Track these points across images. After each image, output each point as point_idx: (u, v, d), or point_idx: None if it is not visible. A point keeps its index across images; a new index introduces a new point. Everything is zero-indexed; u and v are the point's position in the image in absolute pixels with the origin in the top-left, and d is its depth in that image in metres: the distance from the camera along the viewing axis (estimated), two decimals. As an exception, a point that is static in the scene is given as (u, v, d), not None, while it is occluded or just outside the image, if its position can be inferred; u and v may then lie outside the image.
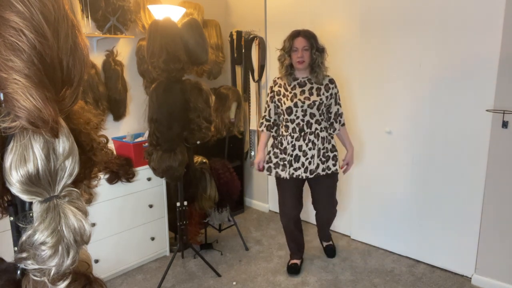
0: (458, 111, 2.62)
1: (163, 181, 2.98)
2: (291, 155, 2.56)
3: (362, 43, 3.02)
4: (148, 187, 2.90)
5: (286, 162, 2.58)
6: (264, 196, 4.00)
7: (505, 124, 2.41)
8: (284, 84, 2.60)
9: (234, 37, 3.79)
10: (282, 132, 2.63)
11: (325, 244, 3.14)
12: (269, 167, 2.66)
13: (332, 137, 2.66)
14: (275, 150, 2.65)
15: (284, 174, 2.59)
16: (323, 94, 2.55)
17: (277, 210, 2.54)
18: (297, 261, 2.89)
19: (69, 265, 0.81)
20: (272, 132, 2.70)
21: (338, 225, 3.43)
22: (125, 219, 2.79)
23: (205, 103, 2.59)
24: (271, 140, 2.75)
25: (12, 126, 0.73)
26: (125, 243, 2.82)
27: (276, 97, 2.63)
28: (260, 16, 3.69)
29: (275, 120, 2.70)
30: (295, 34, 2.51)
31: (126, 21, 3.02)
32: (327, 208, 2.77)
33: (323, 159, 2.58)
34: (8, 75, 0.70)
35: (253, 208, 4.10)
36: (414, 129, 2.84)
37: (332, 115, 2.63)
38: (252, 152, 3.96)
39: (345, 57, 3.14)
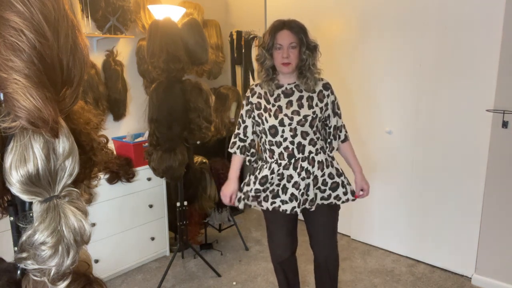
0: (458, 111, 2.62)
1: (163, 181, 2.98)
2: (278, 185, 1.95)
3: (362, 43, 3.03)
4: (148, 187, 2.90)
5: (268, 192, 1.97)
6: (264, 196, 4.00)
7: (505, 124, 2.41)
8: (265, 93, 1.95)
9: (234, 37, 3.79)
10: (266, 157, 1.99)
11: None
12: (246, 195, 2.00)
13: (333, 159, 2.03)
14: (252, 178, 2.02)
15: (266, 205, 1.99)
16: (317, 105, 1.92)
17: (264, 219, 2.18)
18: None
19: (69, 265, 0.81)
20: (248, 155, 2.07)
21: (338, 225, 3.42)
22: (125, 219, 2.79)
23: (205, 103, 2.59)
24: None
25: (12, 126, 0.73)
26: (125, 243, 2.82)
27: (256, 112, 1.96)
28: (260, 16, 3.69)
29: (252, 140, 2.04)
30: (278, 26, 1.87)
31: (126, 21, 3.02)
32: (327, 249, 2.08)
33: (322, 187, 1.95)
34: (8, 75, 0.70)
35: (253, 208, 4.10)
36: (414, 129, 2.84)
37: (332, 130, 2.00)
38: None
39: (345, 56, 3.14)
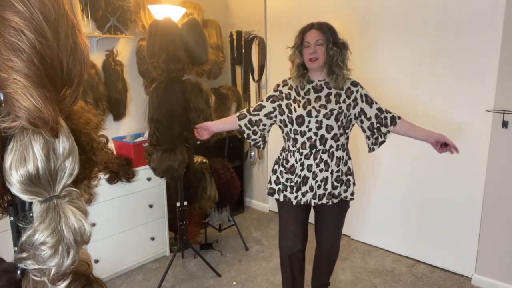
0: (458, 111, 2.62)
1: (163, 181, 2.98)
2: (299, 176, 2.06)
3: (362, 43, 3.02)
4: (148, 187, 2.90)
5: (293, 184, 2.08)
6: (264, 196, 4.00)
7: (505, 124, 2.41)
8: (296, 87, 2.09)
9: (234, 37, 3.79)
10: (288, 146, 2.10)
11: None
12: (279, 189, 2.14)
13: (350, 158, 2.14)
14: (281, 168, 2.14)
15: (292, 198, 2.10)
16: (344, 101, 2.03)
17: (277, 210, 2.28)
18: None
19: (69, 265, 0.81)
20: (249, 130, 2.13)
21: (338, 225, 3.43)
22: (125, 219, 2.79)
23: (205, 103, 2.59)
24: (275, 155, 2.24)
25: (12, 126, 0.73)
26: (125, 243, 2.82)
27: (284, 101, 2.07)
28: (260, 16, 3.69)
29: (261, 121, 2.12)
30: (308, 27, 2.03)
31: (126, 21, 3.02)
32: (331, 240, 2.22)
33: (335, 184, 2.07)
34: (8, 75, 0.70)
35: (253, 208, 4.10)
36: (414, 129, 2.84)
37: (374, 119, 2.07)
38: (252, 152, 3.96)
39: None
